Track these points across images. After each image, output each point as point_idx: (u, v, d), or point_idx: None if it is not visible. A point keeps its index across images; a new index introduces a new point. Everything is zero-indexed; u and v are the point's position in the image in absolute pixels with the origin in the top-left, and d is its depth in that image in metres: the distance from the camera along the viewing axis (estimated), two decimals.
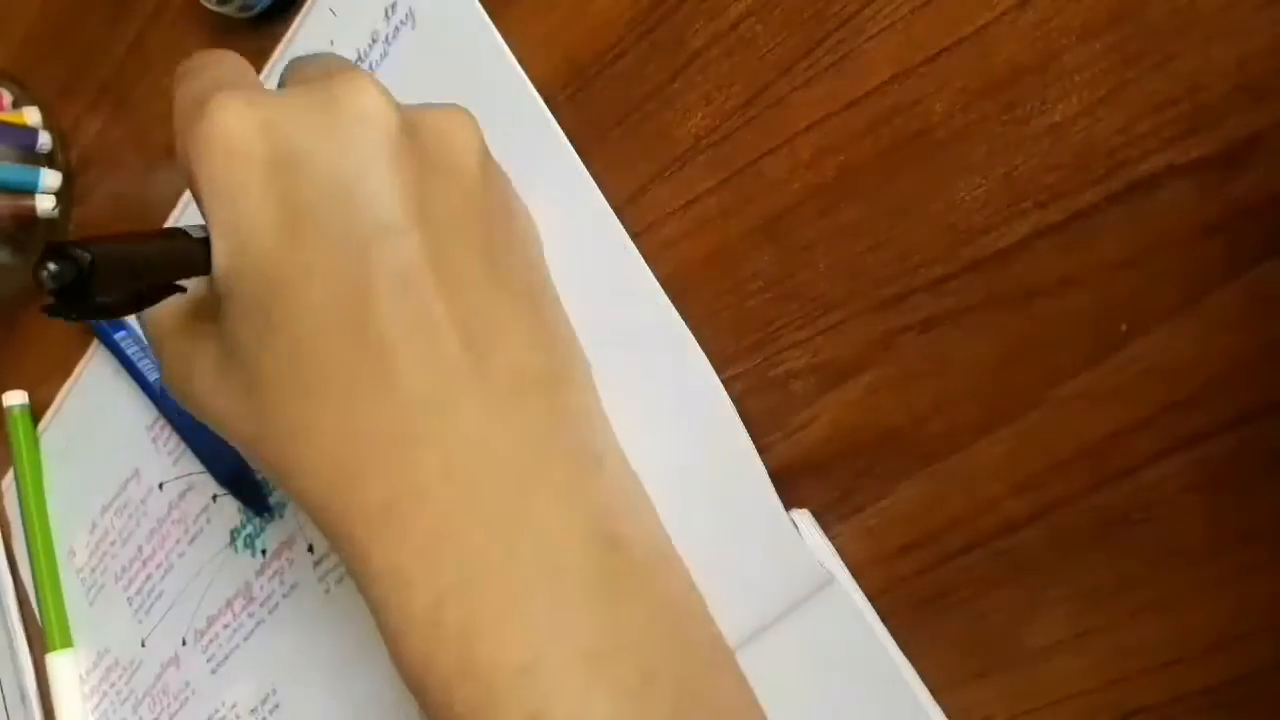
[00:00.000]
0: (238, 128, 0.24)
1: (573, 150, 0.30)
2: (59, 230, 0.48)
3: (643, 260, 0.29)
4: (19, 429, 0.49)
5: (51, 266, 0.22)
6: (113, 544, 0.46)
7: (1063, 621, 0.25)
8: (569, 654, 0.23)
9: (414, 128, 0.26)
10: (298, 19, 0.37)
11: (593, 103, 0.31)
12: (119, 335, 0.44)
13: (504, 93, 0.32)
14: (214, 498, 0.42)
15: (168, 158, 0.44)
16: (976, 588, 0.26)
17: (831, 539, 0.27)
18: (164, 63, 0.44)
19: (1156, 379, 0.23)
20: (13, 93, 0.49)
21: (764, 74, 0.28)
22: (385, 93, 0.25)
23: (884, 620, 0.27)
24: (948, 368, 0.26)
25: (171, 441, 0.43)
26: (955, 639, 0.26)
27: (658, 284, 0.29)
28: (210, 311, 0.27)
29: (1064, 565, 0.25)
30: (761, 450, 0.28)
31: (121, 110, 0.46)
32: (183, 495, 0.43)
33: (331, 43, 0.36)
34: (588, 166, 0.30)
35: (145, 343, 0.44)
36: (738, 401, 0.28)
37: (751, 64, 0.28)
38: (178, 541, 0.43)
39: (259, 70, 0.39)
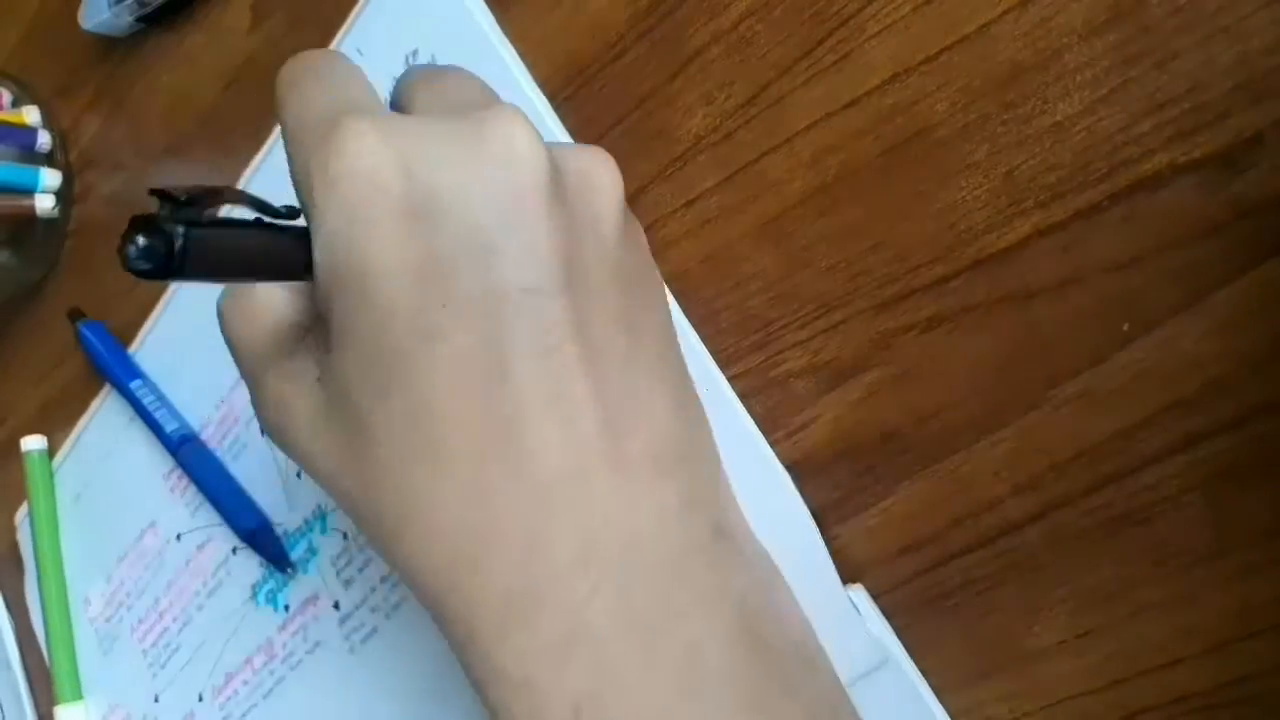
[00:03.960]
0: (373, 161, 0.22)
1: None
2: (58, 230, 0.48)
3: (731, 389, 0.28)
4: (36, 473, 0.48)
5: (141, 241, 0.20)
6: (128, 594, 0.45)
7: (1064, 622, 0.25)
8: None
9: (560, 174, 0.23)
10: None
11: (593, 102, 0.31)
12: (133, 384, 0.43)
13: None
14: (234, 550, 0.41)
15: (167, 156, 0.44)
16: (978, 588, 0.26)
17: (832, 539, 0.27)
18: (163, 62, 0.44)
19: (1158, 379, 0.23)
20: (12, 92, 0.49)
21: (764, 73, 0.28)
22: (536, 134, 0.23)
23: (883, 621, 0.27)
24: (949, 368, 0.26)
25: (190, 492, 0.42)
26: (956, 639, 0.26)
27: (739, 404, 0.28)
28: (312, 340, 0.25)
29: (1065, 565, 0.25)
30: None
31: (121, 109, 0.46)
32: (201, 547, 0.42)
33: None
34: None
35: (160, 393, 0.43)
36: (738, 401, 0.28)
37: (752, 63, 0.28)
38: (196, 594, 0.42)
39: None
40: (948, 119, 0.25)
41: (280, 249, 0.23)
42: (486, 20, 0.32)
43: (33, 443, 0.49)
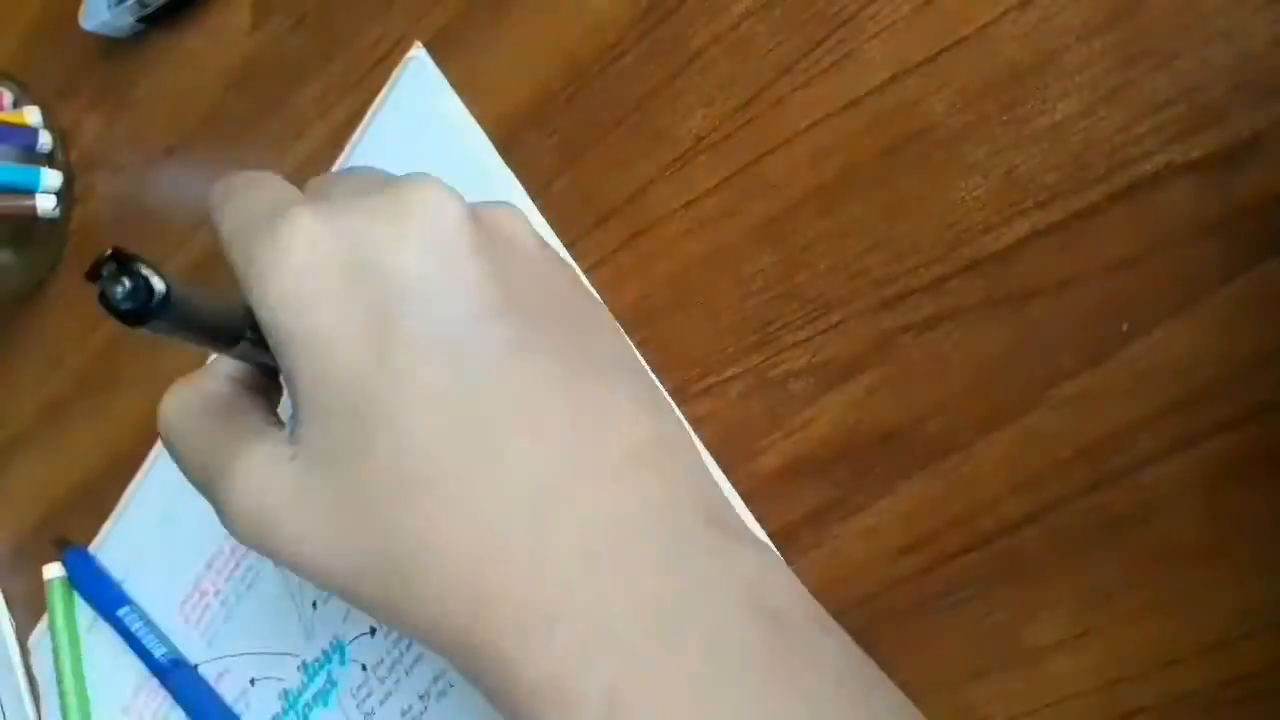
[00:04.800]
0: (309, 239, 0.23)
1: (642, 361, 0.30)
2: (59, 231, 0.48)
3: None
4: (58, 601, 0.47)
5: (126, 283, 0.21)
6: None
7: (1062, 622, 0.25)
8: None
9: (478, 220, 0.25)
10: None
11: (593, 102, 0.31)
12: (120, 611, 0.43)
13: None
14: (251, 681, 0.40)
15: (167, 157, 0.44)
16: (976, 588, 0.26)
17: (831, 540, 0.27)
18: (164, 62, 0.44)
19: (1156, 379, 0.23)
20: (13, 92, 0.49)
21: (764, 74, 0.28)
22: (448, 187, 0.25)
23: (884, 621, 0.27)
24: (948, 368, 0.26)
25: (205, 620, 0.41)
26: (954, 639, 0.26)
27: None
28: (273, 422, 0.26)
29: (1063, 565, 0.25)
30: (761, 450, 0.28)
31: (122, 110, 0.46)
32: (219, 677, 0.41)
33: None
34: (587, 167, 0.30)
35: (148, 618, 0.43)
36: (738, 402, 0.28)
37: (752, 64, 0.28)
38: None
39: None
40: (947, 119, 0.25)
41: (238, 316, 0.25)
42: (492, 159, 0.32)
43: (53, 571, 0.47)
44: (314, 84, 0.38)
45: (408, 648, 0.35)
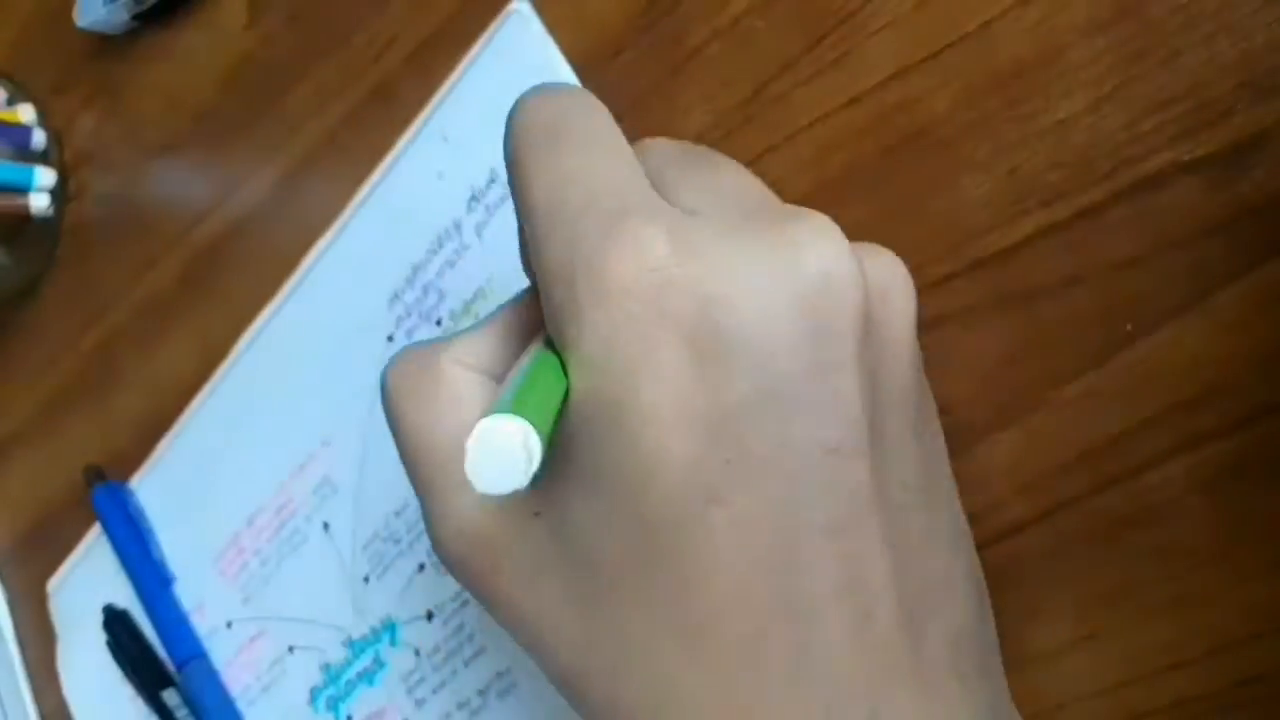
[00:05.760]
0: (662, 280, 0.18)
1: None
2: (53, 229, 0.48)
3: None
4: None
5: None
6: None
7: (1068, 624, 0.24)
8: None
9: (869, 304, 0.19)
10: (403, 141, 0.34)
11: None
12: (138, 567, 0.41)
13: None
14: (290, 649, 0.38)
15: (163, 155, 0.44)
16: None
17: None
18: (159, 59, 0.44)
19: (1162, 379, 0.23)
20: (6, 90, 0.48)
21: (765, 70, 0.28)
22: (852, 253, 0.19)
23: None
24: (950, 368, 0.26)
25: (243, 576, 0.40)
26: None
27: None
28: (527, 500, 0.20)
29: (1069, 567, 0.24)
30: None
31: (116, 107, 0.46)
32: (253, 639, 0.39)
33: (440, 175, 0.33)
34: None
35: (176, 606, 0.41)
36: None
37: (752, 60, 0.28)
38: (247, 688, 0.39)
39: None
40: (950, 117, 0.25)
41: None
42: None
43: None
44: (309, 82, 0.38)
45: (469, 638, 0.33)
